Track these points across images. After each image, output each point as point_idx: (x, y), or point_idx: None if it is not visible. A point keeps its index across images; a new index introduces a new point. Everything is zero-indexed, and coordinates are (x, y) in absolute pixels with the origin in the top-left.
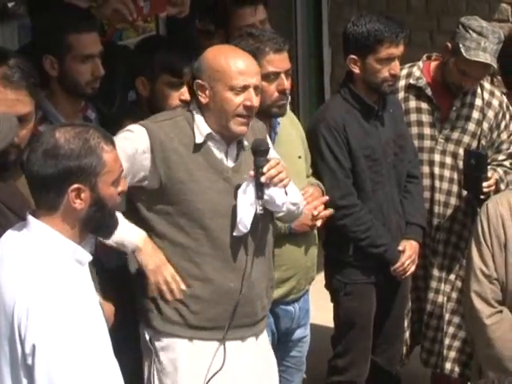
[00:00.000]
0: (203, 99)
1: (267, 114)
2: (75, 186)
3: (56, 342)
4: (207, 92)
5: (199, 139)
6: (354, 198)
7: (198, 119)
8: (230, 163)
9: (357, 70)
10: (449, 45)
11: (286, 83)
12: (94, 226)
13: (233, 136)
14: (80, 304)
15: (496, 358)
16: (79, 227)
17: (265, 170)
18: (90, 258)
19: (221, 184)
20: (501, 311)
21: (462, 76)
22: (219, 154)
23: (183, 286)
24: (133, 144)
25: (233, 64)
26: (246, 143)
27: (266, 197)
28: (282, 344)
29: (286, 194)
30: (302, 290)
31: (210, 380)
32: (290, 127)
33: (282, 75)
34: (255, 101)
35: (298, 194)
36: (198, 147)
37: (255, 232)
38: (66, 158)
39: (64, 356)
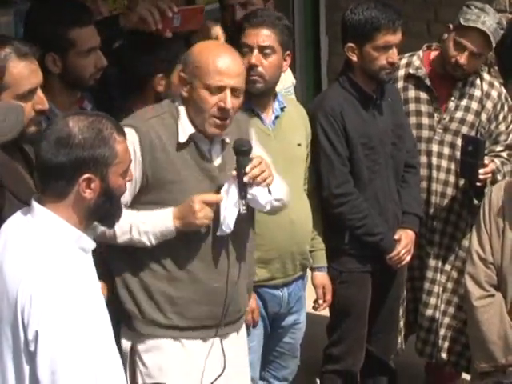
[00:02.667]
0: (184, 93)
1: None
2: (86, 175)
3: (59, 329)
4: (188, 86)
5: (182, 138)
6: (351, 186)
7: (183, 116)
8: (215, 161)
9: (354, 58)
10: (450, 25)
11: (254, 59)
12: (100, 215)
13: (207, 135)
14: (83, 291)
15: (481, 340)
16: (85, 216)
17: (247, 169)
18: (93, 245)
19: (207, 183)
20: (493, 295)
21: (458, 50)
22: (205, 152)
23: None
24: None
25: (212, 62)
26: (227, 140)
27: (249, 196)
28: (273, 330)
29: (270, 192)
30: (290, 275)
31: (214, 381)
32: (296, 115)
33: (255, 50)
34: (229, 103)
35: (282, 189)
36: (184, 145)
37: (236, 232)
38: (79, 148)
39: (66, 343)
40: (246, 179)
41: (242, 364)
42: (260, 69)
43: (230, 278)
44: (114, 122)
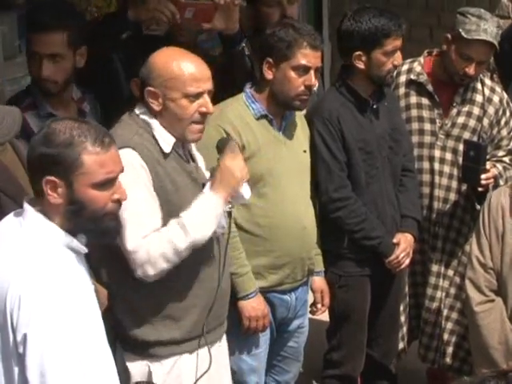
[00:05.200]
0: (156, 107)
1: (288, 105)
2: (49, 177)
3: (47, 332)
4: (160, 99)
5: (167, 149)
6: (349, 190)
7: (158, 128)
8: (191, 163)
9: (362, 66)
10: (448, 36)
11: (314, 80)
12: (77, 225)
13: (188, 142)
14: (73, 293)
15: (482, 345)
16: (65, 221)
17: None
18: (85, 250)
19: (191, 185)
20: (493, 300)
21: (465, 62)
22: (183, 157)
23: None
24: (133, 172)
25: (186, 70)
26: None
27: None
28: (279, 335)
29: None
30: (298, 281)
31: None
32: (299, 122)
33: (312, 71)
34: (211, 106)
35: None
36: (168, 155)
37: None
38: (44, 146)
39: (55, 345)
40: None
41: (225, 367)
42: (314, 89)
43: (223, 277)
44: (97, 133)
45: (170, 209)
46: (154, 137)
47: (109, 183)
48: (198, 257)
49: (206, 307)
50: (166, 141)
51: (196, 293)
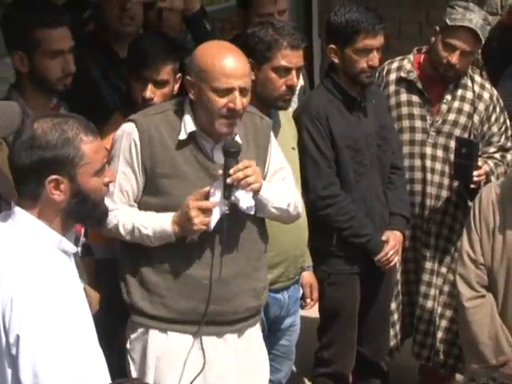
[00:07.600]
0: (192, 95)
1: (271, 105)
2: (52, 177)
3: (40, 333)
4: (195, 89)
5: (182, 136)
6: (337, 187)
7: (187, 115)
8: (219, 160)
9: (336, 60)
10: (437, 28)
11: (296, 80)
12: (78, 217)
13: (218, 135)
14: (64, 294)
15: (471, 341)
16: (62, 218)
17: (231, 171)
18: (74, 249)
19: (206, 181)
20: (483, 296)
21: (448, 51)
22: (207, 150)
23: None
24: (126, 144)
25: (218, 65)
26: (237, 139)
27: (233, 198)
28: (271, 333)
29: (258, 197)
30: (291, 279)
31: (194, 379)
32: (284, 119)
33: (293, 71)
34: (239, 103)
35: (284, 199)
36: (185, 142)
37: (221, 231)
38: (41, 149)
39: (48, 346)
40: (228, 180)
41: (247, 370)
42: (296, 89)
43: (214, 276)
44: (83, 123)
45: (164, 190)
46: (182, 121)
47: (103, 168)
48: (182, 247)
49: (186, 297)
50: (186, 128)
51: (171, 279)
